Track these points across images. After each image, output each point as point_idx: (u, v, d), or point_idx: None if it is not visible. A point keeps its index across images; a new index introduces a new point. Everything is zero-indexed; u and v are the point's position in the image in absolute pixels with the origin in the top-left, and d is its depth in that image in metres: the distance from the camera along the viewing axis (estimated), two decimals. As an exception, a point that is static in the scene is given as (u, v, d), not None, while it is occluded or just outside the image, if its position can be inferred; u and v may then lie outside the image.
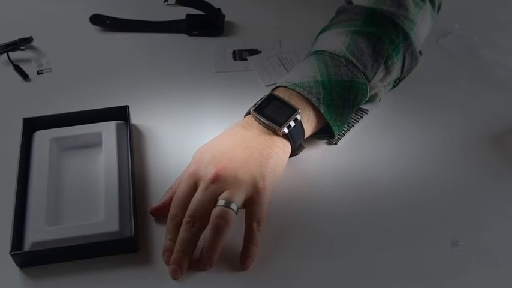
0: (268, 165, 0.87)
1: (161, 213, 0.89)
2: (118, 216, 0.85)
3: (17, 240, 0.83)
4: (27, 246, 0.82)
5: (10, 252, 0.81)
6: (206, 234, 0.82)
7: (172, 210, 0.85)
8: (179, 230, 0.83)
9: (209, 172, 0.84)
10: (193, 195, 0.84)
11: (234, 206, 0.82)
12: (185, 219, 0.82)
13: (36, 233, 0.83)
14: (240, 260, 0.83)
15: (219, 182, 0.83)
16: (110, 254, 0.84)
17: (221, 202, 0.82)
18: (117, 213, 0.85)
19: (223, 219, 0.81)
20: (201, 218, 0.82)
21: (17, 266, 0.83)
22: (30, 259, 0.83)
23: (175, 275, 0.81)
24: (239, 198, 0.83)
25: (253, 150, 0.87)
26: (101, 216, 0.86)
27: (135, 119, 1.02)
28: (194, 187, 0.85)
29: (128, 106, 0.99)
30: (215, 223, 0.81)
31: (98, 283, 0.82)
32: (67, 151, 0.96)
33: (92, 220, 0.86)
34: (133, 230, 0.84)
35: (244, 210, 0.84)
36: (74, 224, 0.85)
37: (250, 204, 0.84)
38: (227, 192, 0.83)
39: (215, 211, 0.82)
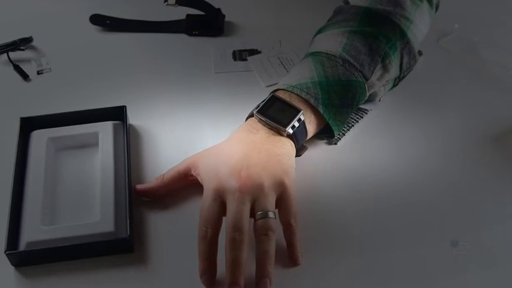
0: (286, 162, 0.88)
1: (144, 194, 0.91)
2: (113, 216, 0.85)
3: (12, 239, 0.83)
4: (22, 246, 0.82)
5: (5, 252, 0.81)
6: (256, 249, 0.80)
7: (202, 227, 0.82)
8: (212, 249, 0.81)
9: (234, 184, 0.83)
10: (221, 210, 0.83)
11: (271, 214, 0.82)
12: (229, 236, 0.80)
13: (32, 233, 0.83)
14: (291, 258, 0.83)
15: (247, 192, 0.83)
16: (105, 254, 0.84)
17: (259, 215, 0.82)
18: (112, 214, 0.85)
19: (269, 230, 0.81)
20: (244, 229, 0.80)
21: (12, 265, 0.83)
22: (25, 259, 0.83)
23: None
24: (272, 202, 0.83)
25: (268, 152, 0.88)
26: (96, 217, 0.85)
27: (134, 119, 1.02)
28: (220, 202, 0.83)
29: (125, 106, 0.99)
30: (262, 236, 0.81)
31: (93, 283, 0.82)
32: (64, 151, 0.96)
33: (87, 220, 0.85)
34: (128, 231, 0.83)
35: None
36: (70, 224, 0.85)
37: (282, 202, 0.84)
38: (259, 201, 0.83)
39: (258, 225, 0.81)
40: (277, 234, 0.82)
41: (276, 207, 0.84)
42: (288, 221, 0.83)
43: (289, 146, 0.91)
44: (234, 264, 0.78)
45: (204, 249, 0.81)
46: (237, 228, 0.80)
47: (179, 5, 1.18)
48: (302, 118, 0.91)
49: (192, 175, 0.90)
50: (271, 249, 0.80)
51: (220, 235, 0.82)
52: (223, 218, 0.83)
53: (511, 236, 0.88)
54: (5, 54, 1.14)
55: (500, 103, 1.06)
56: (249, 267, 0.80)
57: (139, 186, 0.91)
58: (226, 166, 0.86)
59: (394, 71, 1.00)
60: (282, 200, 0.84)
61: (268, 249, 0.80)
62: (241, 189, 0.83)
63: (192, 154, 0.92)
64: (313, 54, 0.99)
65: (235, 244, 0.79)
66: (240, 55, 1.17)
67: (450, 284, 0.83)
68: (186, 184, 0.92)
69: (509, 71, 1.12)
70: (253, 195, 0.83)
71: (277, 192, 0.84)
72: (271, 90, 0.96)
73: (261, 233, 0.81)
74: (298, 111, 0.91)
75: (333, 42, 0.99)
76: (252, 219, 0.83)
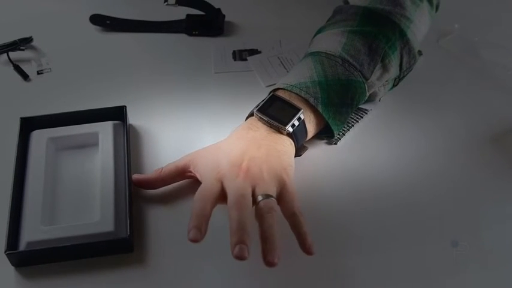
0: (286, 159, 0.89)
1: (140, 185, 0.91)
2: (113, 216, 0.85)
3: (12, 239, 0.83)
4: (22, 246, 0.82)
5: (5, 252, 0.81)
6: (260, 226, 0.79)
7: (197, 196, 0.82)
8: (207, 207, 0.80)
9: (235, 173, 0.84)
10: (220, 191, 0.83)
11: (272, 198, 0.82)
12: (234, 199, 0.80)
13: (32, 233, 0.83)
14: (303, 248, 0.80)
15: (248, 179, 0.83)
16: (105, 254, 0.84)
17: (260, 197, 0.81)
18: (112, 214, 0.85)
19: (270, 209, 0.80)
20: (248, 198, 0.80)
21: (12, 265, 0.83)
22: (25, 259, 0.83)
23: (243, 253, 0.74)
24: (272, 190, 0.83)
25: (268, 148, 0.88)
26: (96, 216, 0.85)
27: (134, 119, 1.02)
28: (220, 186, 0.83)
29: (125, 106, 0.99)
30: (265, 213, 0.80)
31: (93, 283, 0.82)
32: (64, 151, 0.96)
33: (87, 220, 0.85)
34: (128, 231, 0.83)
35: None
36: (70, 224, 0.85)
37: (283, 196, 0.84)
38: (260, 187, 0.83)
39: (260, 206, 0.81)
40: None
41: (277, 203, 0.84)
42: (291, 212, 0.82)
43: (288, 145, 0.91)
44: (240, 223, 0.77)
45: (198, 205, 0.80)
46: (241, 195, 0.80)
47: (179, 5, 1.18)
48: (302, 117, 0.91)
49: (190, 171, 0.91)
50: (276, 225, 0.79)
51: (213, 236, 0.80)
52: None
53: (511, 236, 0.88)
54: (5, 54, 1.14)
55: (500, 103, 1.06)
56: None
57: (136, 176, 0.92)
58: (226, 160, 0.86)
59: (393, 71, 1.00)
60: (282, 195, 0.84)
61: (274, 224, 0.79)
62: (242, 176, 0.83)
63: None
64: (312, 54, 0.99)
65: (240, 205, 0.79)
66: (240, 55, 1.17)
67: (450, 284, 0.83)
68: (183, 179, 0.92)
69: (509, 71, 1.12)
70: (254, 182, 0.83)
71: (277, 186, 0.84)
72: (270, 91, 0.96)
73: (264, 211, 0.80)
74: (298, 110, 0.91)
75: (332, 42, 0.99)
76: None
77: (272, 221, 0.79)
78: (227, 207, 0.80)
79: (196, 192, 0.83)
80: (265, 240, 0.77)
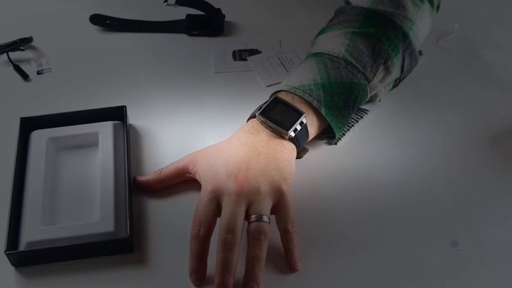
0: (285, 167, 0.88)
1: (140, 187, 0.92)
2: (113, 216, 0.85)
3: (12, 239, 0.83)
4: (22, 246, 0.82)
5: (5, 252, 0.81)
6: (247, 253, 0.81)
7: (195, 226, 0.82)
8: (204, 248, 0.81)
9: (231, 187, 0.84)
10: (216, 210, 0.83)
11: (266, 218, 0.82)
12: (222, 237, 0.80)
13: (32, 233, 0.83)
14: (288, 264, 0.83)
15: (243, 195, 0.83)
16: (105, 255, 0.84)
17: (253, 217, 0.82)
18: (112, 214, 0.85)
19: (262, 233, 0.81)
20: (238, 231, 0.81)
21: (12, 265, 0.83)
22: (25, 259, 0.83)
23: None
24: (267, 207, 0.83)
25: (268, 156, 0.88)
26: (96, 217, 0.85)
27: (134, 119, 1.02)
28: (216, 203, 0.84)
29: (125, 106, 0.99)
30: (255, 239, 0.81)
31: (93, 283, 0.82)
32: (64, 151, 0.96)
33: (87, 220, 0.86)
34: (128, 231, 0.84)
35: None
36: (70, 224, 0.85)
37: (279, 208, 0.84)
38: (254, 205, 0.83)
39: (251, 227, 0.82)
40: (275, 239, 0.83)
41: (273, 213, 0.85)
42: (285, 226, 0.83)
43: (289, 150, 0.90)
44: (224, 265, 0.78)
45: (195, 248, 0.81)
46: (230, 230, 0.80)
47: (179, 5, 1.18)
48: (304, 121, 0.91)
49: (189, 172, 0.91)
50: (262, 254, 0.80)
51: (213, 236, 0.82)
52: (218, 220, 0.83)
53: (511, 236, 0.88)
54: (5, 54, 1.14)
55: (500, 103, 1.06)
56: (240, 269, 0.80)
57: (135, 177, 0.92)
58: (224, 167, 0.86)
59: (395, 73, 1.00)
60: (279, 206, 0.84)
61: (259, 254, 0.80)
62: (237, 191, 0.83)
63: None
64: (315, 55, 0.99)
65: (226, 246, 0.79)
66: (240, 55, 1.16)
67: (450, 284, 0.83)
68: (182, 180, 0.92)
69: (509, 70, 1.11)
70: (249, 198, 0.83)
71: (274, 198, 0.85)
72: (272, 90, 0.96)
73: (253, 236, 0.81)
74: (300, 114, 0.91)
75: (335, 43, 0.99)
76: (246, 222, 0.83)
77: (259, 249, 0.81)
78: (219, 230, 0.81)
79: (193, 220, 0.83)
80: (248, 270, 0.80)
